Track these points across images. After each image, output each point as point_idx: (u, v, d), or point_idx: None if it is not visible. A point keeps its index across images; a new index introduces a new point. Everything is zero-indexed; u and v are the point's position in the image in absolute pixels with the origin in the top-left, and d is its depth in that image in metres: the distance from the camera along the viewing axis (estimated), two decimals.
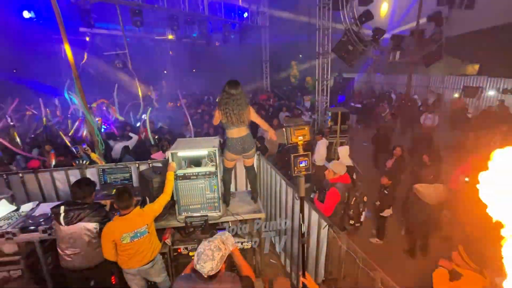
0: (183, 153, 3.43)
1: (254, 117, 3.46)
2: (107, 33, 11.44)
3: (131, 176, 4.00)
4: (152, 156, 5.15)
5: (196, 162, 3.90)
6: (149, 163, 4.25)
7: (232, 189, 4.32)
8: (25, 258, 3.17)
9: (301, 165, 2.56)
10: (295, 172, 2.57)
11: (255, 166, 4.22)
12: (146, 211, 2.96)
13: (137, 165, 4.19)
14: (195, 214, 3.37)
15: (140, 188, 3.69)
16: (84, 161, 4.25)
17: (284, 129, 2.65)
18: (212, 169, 3.35)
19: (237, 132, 3.39)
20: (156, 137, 6.32)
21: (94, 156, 4.71)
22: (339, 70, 15.54)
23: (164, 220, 3.38)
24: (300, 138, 2.55)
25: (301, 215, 2.72)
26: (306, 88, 14.70)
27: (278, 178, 4.16)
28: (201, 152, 3.44)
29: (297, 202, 3.46)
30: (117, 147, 6.09)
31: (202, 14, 9.53)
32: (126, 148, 5.74)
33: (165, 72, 17.92)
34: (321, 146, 6.32)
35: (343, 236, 2.86)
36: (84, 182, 2.94)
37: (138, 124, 7.86)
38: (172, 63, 17.79)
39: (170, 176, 3.23)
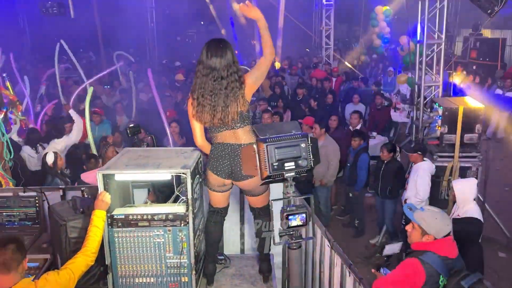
0: (124, 176, 3.17)
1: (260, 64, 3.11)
2: None
3: (38, 212, 3.87)
4: (82, 176, 5.08)
5: (168, 192, 3.59)
6: (82, 189, 4.09)
7: (227, 249, 4.05)
8: None
9: (291, 223, 2.25)
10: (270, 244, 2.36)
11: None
12: (42, 286, 2.67)
13: (61, 192, 4.07)
14: None
15: (50, 238, 3.56)
16: None
17: (256, 146, 2.28)
18: (180, 209, 3.14)
19: (227, 137, 3.13)
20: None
21: None
22: (473, 24, 14.40)
23: None
24: (290, 166, 2.20)
25: None
26: (400, 59, 13.84)
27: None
28: (158, 174, 3.14)
29: None
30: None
31: None
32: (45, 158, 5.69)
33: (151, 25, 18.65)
34: (422, 173, 5.70)
35: None
36: None
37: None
38: (156, 12, 18.55)
39: (97, 219, 2.97)
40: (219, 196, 3.28)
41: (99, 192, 3.05)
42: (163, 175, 3.10)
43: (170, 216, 3.09)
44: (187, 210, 3.09)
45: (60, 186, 4.45)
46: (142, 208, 3.24)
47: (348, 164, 6.78)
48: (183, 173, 3.03)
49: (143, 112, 9.24)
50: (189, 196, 3.06)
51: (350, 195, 6.88)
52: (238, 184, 3.20)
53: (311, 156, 2.27)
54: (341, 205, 7.84)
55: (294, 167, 2.17)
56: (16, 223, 3.84)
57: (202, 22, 22.56)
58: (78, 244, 3.06)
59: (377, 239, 6.78)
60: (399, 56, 16.28)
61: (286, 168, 2.18)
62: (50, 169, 5.53)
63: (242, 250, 4.19)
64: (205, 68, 2.99)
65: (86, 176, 5.11)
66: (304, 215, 2.24)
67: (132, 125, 3.96)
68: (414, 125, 7.20)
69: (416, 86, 7.09)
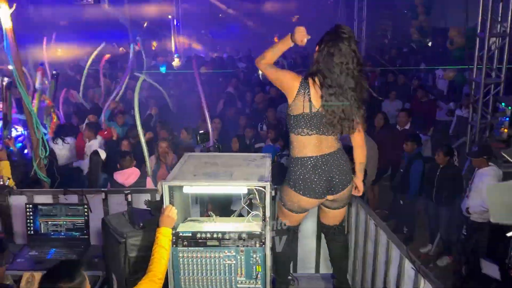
0: (194, 189, 2.78)
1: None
2: None
3: (87, 222, 3.54)
4: (114, 175, 4.72)
5: (222, 204, 3.24)
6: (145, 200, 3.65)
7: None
8: None
9: None
10: None
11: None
12: None
13: (103, 195, 3.74)
14: None
15: (102, 253, 3.20)
16: (7, 180, 4.00)
17: None
18: (255, 227, 2.79)
19: (317, 146, 2.72)
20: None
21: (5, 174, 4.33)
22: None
23: None
24: None
25: None
26: (445, 53, 13.14)
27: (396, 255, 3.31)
28: (231, 187, 2.76)
29: None
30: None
31: None
32: (96, 155, 5.41)
33: (170, 17, 18.29)
34: (489, 180, 5.22)
35: None
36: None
37: None
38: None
39: (163, 238, 2.61)
40: (300, 216, 2.91)
41: (165, 206, 2.65)
42: (239, 188, 2.68)
43: (244, 235, 2.70)
44: (264, 228, 2.68)
45: (102, 189, 4.12)
46: (210, 224, 2.85)
47: (401, 170, 6.28)
48: (262, 187, 2.60)
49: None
50: (267, 213, 2.66)
51: (401, 202, 6.39)
52: (336, 199, 2.79)
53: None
54: (385, 209, 7.36)
55: None
56: (62, 234, 3.52)
57: (220, 15, 22.06)
58: (138, 264, 2.78)
59: (428, 248, 6.30)
60: (432, 50, 15.65)
61: None
62: (103, 166, 5.21)
63: (317, 268, 3.78)
64: (336, 56, 2.60)
65: (118, 176, 4.81)
66: None
67: (202, 131, 3.59)
68: (469, 126, 6.65)
69: (473, 83, 6.53)
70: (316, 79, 2.63)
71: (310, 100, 2.63)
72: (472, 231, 5.38)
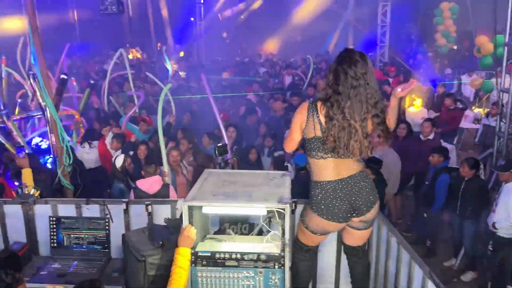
0: (213, 209, 2.78)
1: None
2: None
3: (108, 236, 3.54)
4: (138, 183, 4.76)
5: (240, 217, 3.23)
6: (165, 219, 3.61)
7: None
8: None
9: None
10: None
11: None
12: None
13: (124, 205, 3.72)
14: None
15: (122, 266, 3.20)
16: (33, 190, 3.98)
17: None
18: (274, 249, 2.75)
19: (334, 169, 2.66)
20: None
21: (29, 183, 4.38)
22: None
23: None
24: None
25: None
26: (472, 57, 12.79)
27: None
28: (250, 209, 2.73)
29: None
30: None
31: None
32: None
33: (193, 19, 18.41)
34: None
35: None
36: None
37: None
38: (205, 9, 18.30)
39: (182, 258, 2.60)
40: (321, 238, 2.87)
41: (184, 226, 2.65)
42: (258, 209, 2.66)
43: (263, 257, 2.68)
44: (283, 250, 2.65)
45: (124, 200, 4.16)
46: (229, 243, 2.83)
47: (426, 182, 6.13)
48: (281, 209, 2.57)
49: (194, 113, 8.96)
50: (287, 236, 2.62)
51: (425, 215, 6.24)
52: (361, 221, 2.77)
53: None
54: (407, 220, 7.21)
55: None
56: (84, 246, 3.54)
57: (242, 16, 22.02)
58: (157, 282, 2.79)
59: (453, 262, 6.13)
60: (458, 54, 15.31)
61: None
62: (118, 172, 5.25)
63: (337, 285, 3.69)
64: (350, 80, 2.52)
65: (142, 183, 4.84)
66: None
67: (220, 144, 3.57)
68: (496, 136, 6.44)
69: (501, 93, 6.33)
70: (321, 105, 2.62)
71: (320, 123, 2.60)
72: (498, 247, 5.21)
